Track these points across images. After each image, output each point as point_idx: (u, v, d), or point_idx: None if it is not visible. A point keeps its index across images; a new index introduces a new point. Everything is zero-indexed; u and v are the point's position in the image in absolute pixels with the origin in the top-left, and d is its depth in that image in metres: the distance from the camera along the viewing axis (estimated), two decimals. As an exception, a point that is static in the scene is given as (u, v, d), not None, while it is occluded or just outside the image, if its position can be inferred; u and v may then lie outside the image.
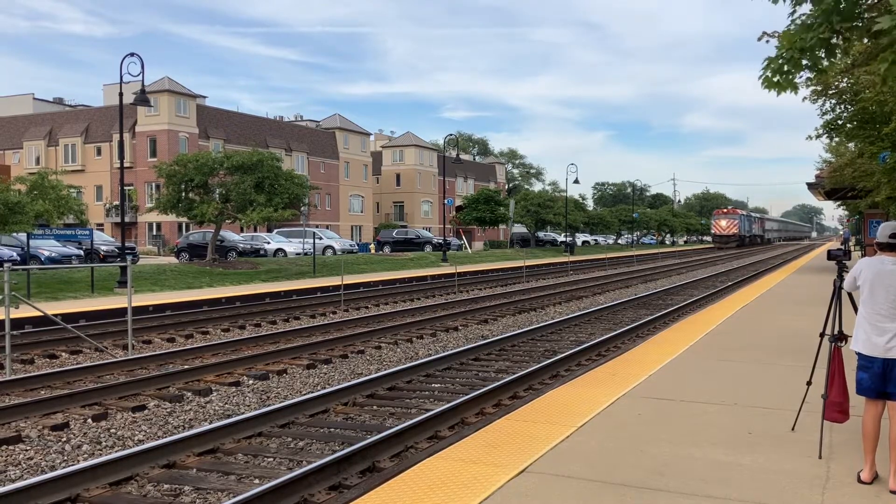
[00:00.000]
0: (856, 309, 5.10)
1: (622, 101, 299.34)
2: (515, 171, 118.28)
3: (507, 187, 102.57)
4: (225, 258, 33.90)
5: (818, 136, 23.05)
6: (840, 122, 21.54)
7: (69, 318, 14.61)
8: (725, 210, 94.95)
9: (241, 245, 38.64)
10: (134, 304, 13.49)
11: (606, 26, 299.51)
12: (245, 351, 12.70)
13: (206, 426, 7.54)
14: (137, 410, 8.69)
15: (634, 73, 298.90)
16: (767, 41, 6.62)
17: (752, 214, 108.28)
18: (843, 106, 21.12)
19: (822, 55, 5.89)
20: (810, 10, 5.86)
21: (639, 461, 5.37)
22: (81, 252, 28.50)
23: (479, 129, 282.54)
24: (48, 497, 5.65)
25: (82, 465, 6.22)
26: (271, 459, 6.84)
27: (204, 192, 30.50)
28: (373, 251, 51.50)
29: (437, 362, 11.23)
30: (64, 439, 7.59)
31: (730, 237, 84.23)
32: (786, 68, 5.94)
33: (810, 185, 40.83)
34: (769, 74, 6.10)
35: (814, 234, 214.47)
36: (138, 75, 22.76)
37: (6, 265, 11.34)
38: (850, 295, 5.29)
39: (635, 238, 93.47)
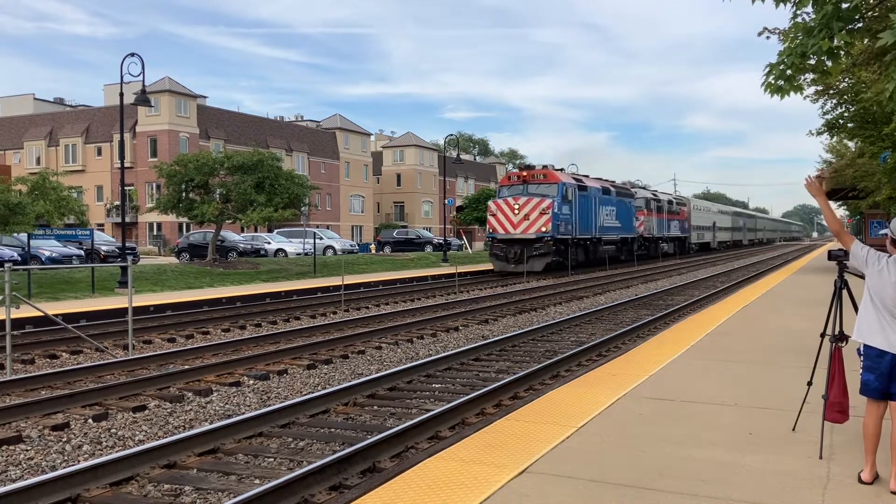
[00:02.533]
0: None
1: (624, 102, 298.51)
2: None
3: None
4: (225, 258, 33.91)
5: (819, 133, 23.15)
6: (841, 122, 21.62)
7: (70, 318, 14.61)
8: (520, 174, 34.41)
9: (242, 245, 38.68)
10: (134, 305, 13.50)
11: (609, 28, 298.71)
12: (245, 351, 12.70)
13: (207, 426, 7.54)
14: (138, 410, 8.69)
15: (637, 74, 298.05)
16: (768, 37, 6.65)
17: (638, 191, 46.83)
18: (843, 106, 21.18)
19: (826, 58, 5.90)
20: (811, 15, 5.87)
21: (639, 461, 5.37)
22: (82, 252, 28.51)
23: (480, 129, 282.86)
24: (49, 497, 5.64)
25: (83, 465, 6.22)
26: (272, 459, 6.84)
27: (204, 193, 30.53)
28: (373, 251, 51.51)
29: (437, 362, 11.22)
30: (64, 439, 7.59)
31: (530, 244, 31.42)
32: (788, 73, 5.95)
33: (811, 186, 40.77)
34: (772, 80, 6.11)
35: (814, 235, 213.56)
36: (139, 75, 22.78)
37: (7, 265, 11.34)
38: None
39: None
